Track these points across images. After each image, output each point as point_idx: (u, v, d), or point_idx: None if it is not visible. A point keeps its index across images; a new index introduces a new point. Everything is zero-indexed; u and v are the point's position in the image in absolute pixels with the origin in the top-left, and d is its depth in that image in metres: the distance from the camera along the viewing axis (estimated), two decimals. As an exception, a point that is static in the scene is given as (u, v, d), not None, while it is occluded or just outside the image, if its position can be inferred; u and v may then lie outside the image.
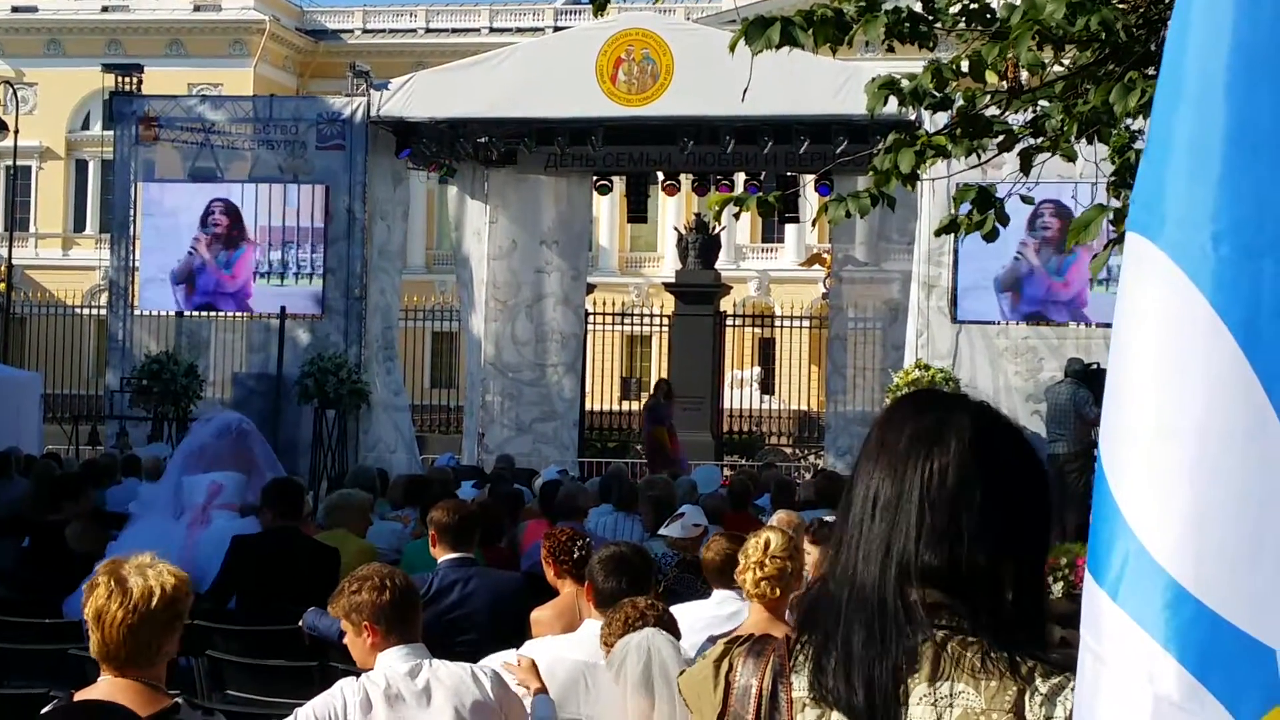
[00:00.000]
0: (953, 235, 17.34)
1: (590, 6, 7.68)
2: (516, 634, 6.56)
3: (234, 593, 8.18)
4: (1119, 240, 6.17)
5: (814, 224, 8.80)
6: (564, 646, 5.67)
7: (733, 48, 5.95)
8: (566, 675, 5.50)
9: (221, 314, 21.48)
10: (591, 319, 29.35)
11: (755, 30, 5.68)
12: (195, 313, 21.38)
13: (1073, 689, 2.00)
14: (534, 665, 5.32)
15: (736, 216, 7.71)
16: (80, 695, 3.90)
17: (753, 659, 2.24)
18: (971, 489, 2.12)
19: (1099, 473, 1.76)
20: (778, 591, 5.48)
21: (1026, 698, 2.05)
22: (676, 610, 5.62)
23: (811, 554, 6.90)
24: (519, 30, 56.41)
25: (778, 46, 5.72)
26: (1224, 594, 1.63)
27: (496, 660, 5.56)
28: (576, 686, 5.48)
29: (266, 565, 8.11)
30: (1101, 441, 1.76)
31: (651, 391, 25.32)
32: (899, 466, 2.16)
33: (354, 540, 8.82)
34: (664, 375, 28.32)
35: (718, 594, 6.50)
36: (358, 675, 4.86)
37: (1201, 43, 1.69)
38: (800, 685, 2.15)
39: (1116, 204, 6.36)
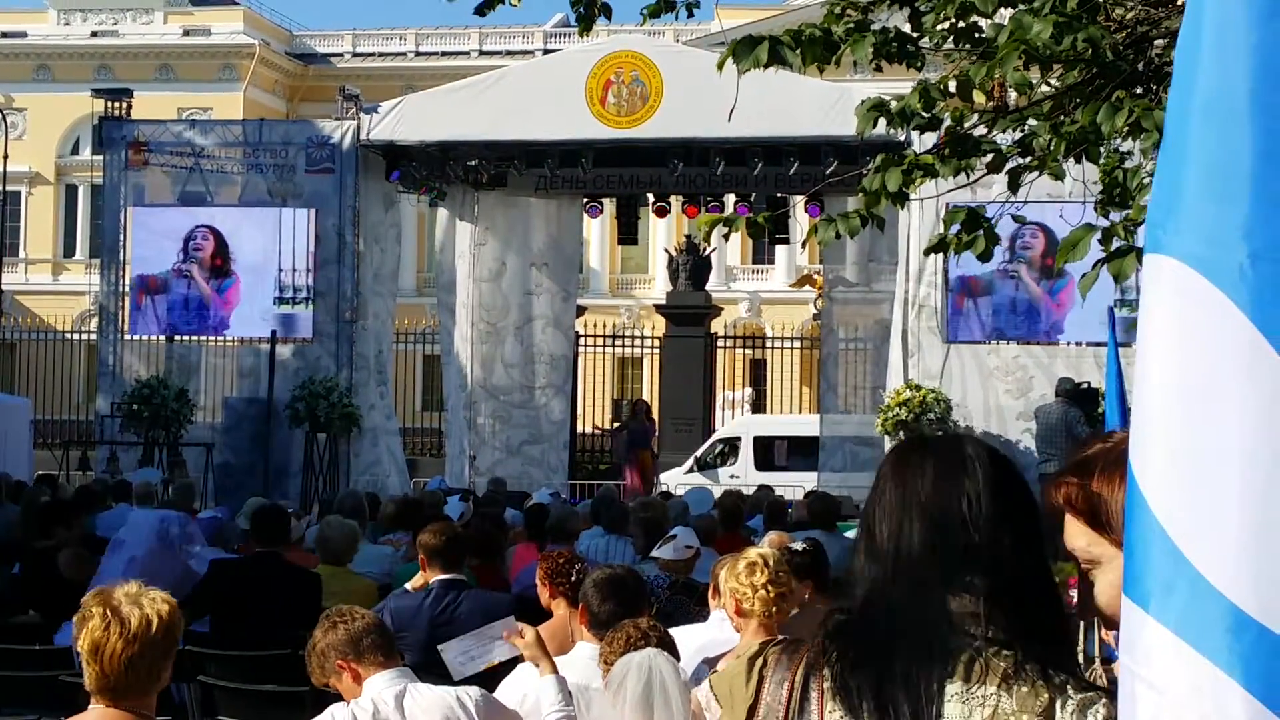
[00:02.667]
0: (942, 257, 17.29)
1: (581, 28, 7.69)
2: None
3: (206, 613, 8.12)
4: (1107, 260, 6.16)
5: (804, 245, 8.80)
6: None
7: (720, 67, 5.94)
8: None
9: (211, 339, 21.45)
10: (582, 341, 29.34)
11: (743, 49, 5.67)
12: (184, 337, 21.36)
13: (1104, 704, 2.09)
14: (539, 638, 5.28)
15: (726, 237, 7.74)
16: None
17: (787, 656, 2.35)
18: (1006, 509, 2.30)
19: (1136, 501, 1.73)
20: (789, 606, 5.47)
21: (1058, 706, 2.12)
22: (674, 633, 5.59)
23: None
24: (509, 53, 56.50)
25: (766, 66, 5.72)
26: None
27: (497, 628, 5.52)
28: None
29: (244, 590, 8.04)
30: (1137, 469, 1.73)
31: (630, 414, 25.23)
32: (932, 501, 2.31)
33: (355, 579, 8.78)
34: (650, 398, 28.33)
35: (715, 615, 6.47)
36: (348, 701, 4.86)
37: (1218, 57, 1.66)
38: (830, 680, 2.28)
39: (1104, 223, 6.36)
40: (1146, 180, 6.12)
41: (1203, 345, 1.65)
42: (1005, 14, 6.03)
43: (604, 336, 31.85)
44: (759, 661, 2.38)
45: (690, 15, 7.48)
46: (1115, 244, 6.13)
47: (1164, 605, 1.68)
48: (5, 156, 37.73)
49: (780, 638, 2.47)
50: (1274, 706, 1.61)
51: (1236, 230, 1.63)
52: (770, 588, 5.41)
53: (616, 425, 24.50)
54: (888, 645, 2.23)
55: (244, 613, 7.92)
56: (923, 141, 10.57)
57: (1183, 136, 1.70)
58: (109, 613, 3.69)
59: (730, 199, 23.10)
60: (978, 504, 2.30)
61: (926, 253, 7.29)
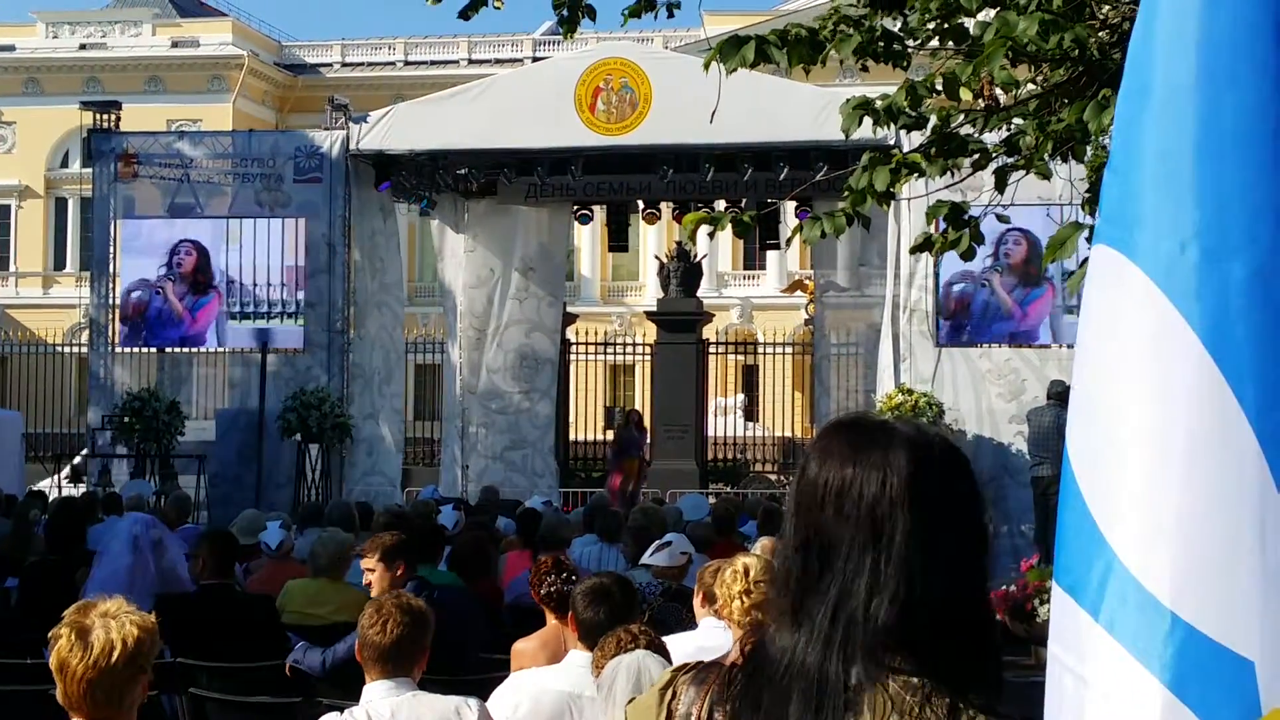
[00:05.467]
0: (932, 259, 17.23)
1: (565, 31, 7.68)
2: (458, 656, 6.53)
3: None
4: None
5: (788, 243, 8.78)
6: (549, 678, 5.64)
7: (707, 66, 5.93)
8: (552, 707, 5.47)
9: (202, 350, 21.39)
10: (574, 349, 29.31)
11: (729, 49, 5.65)
12: (176, 348, 21.30)
13: None
14: None
15: (711, 236, 7.75)
16: None
17: (695, 687, 2.17)
18: (922, 532, 1.98)
19: (1070, 488, 1.72)
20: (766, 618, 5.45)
21: None
22: (666, 641, 5.58)
23: None
24: (497, 61, 56.49)
25: (752, 65, 5.71)
26: (1200, 607, 1.59)
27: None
28: (562, 718, 5.45)
29: (196, 625, 7.89)
30: (1071, 455, 1.72)
31: (621, 422, 25.22)
32: (840, 522, 2.03)
33: (348, 590, 8.74)
34: (642, 406, 28.31)
35: (705, 622, 6.46)
36: (341, 710, 4.85)
37: (1166, 54, 1.67)
38: (735, 710, 2.09)
39: (1091, 222, 6.35)
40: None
41: (1136, 335, 1.65)
42: (990, 15, 6.02)
43: (596, 344, 31.80)
44: (668, 694, 2.21)
45: (670, 15, 7.47)
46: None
47: (1095, 598, 1.66)
48: (-6, 170, 37.66)
49: (691, 664, 2.31)
50: (1186, 698, 1.59)
51: (1170, 219, 1.64)
52: (744, 597, 5.41)
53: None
54: (785, 686, 2.00)
55: (194, 649, 7.80)
56: (910, 142, 10.57)
57: (1130, 129, 1.70)
58: (75, 634, 3.72)
59: (720, 205, 23.08)
60: (889, 531, 2.00)
61: (912, 251, 7.28)
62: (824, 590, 2.03)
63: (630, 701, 2.80)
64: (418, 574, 7.62)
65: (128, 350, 21.34)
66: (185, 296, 20.99)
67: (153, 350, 21.37)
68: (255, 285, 20.77)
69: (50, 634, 3.82)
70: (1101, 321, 1.70)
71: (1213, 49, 1.63)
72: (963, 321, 18.92)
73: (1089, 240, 6.12)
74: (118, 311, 21.25)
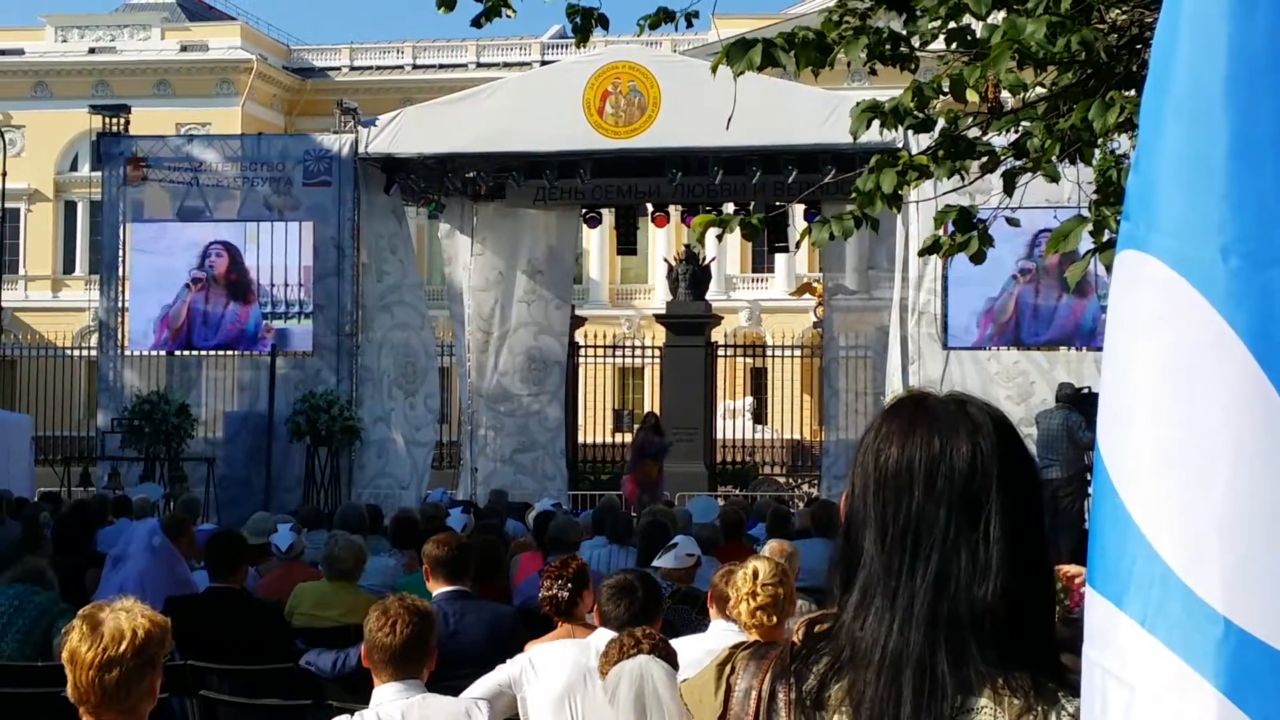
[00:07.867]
0: (941, 262, 17.23)
1: (578, 40, 7.68)
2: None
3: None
4: (1099, 250, 6.16)
5: (797, 245, 8.80)
6: (567, 650, 5.81)
7: (715, 70, 5.96)
8: (568, 674, 5.62)
9: (211, 353, 21.40)
10: (582, 351, 29.33)
11: (737, 52, 5.68)
12: (185, 351, 21.31)
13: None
14: None
15: (720, 238, 7.82)
16: None
17: (755, 662, 2.15)
18: (1014, 509, 1.97)
19: (1108, 495, 1.71)
20: (774, 619, 5.47)
21: (1053, 718, 1.96)
22: (674, 644, 5.61)
23: None
24: (506, 65, 56.52)
25: (760, 68, 5.73)
26: (1253, 612, 1.58)
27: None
28: (573, 688, 5.58)
29: (204, 629, 7.91)
30: (1109, 463, 1.71)
31: (640, 425, 25.26)
32: (931, 503, 1.99)
33: (359, 594, 8.75)
34: (653, 409, 28.30)
35: (716, 624, 6.48)
36: (351, 713, 4.86)
37: (1194, 55, 1.66)
38: (799, 689, 2.07)
39: (1094, 217, 6.35)
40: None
41: (1176, 341, 1.65)
42: (999, 17, 6.03)
43: (604, 347, 31.83)
44: (727, 669, 2.26)
45: (689, 25, 7.47)
46: (1106, 236, 6.13)
47: (1136, 601, 1.66)
48: (4, 174, 37.78)
49: (749, 641, 2.30)
50: (1243, 704, 1.58)
51: (1209, 225, 1.64)
52: (751, 599, 5.43)
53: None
54: (890, 677, 1.96)
55: (202, 652, 7.82)
56: (918, 143, 10.56)
57: (1157, 133, 1.70)
58: (87, 625, 3.73)
59: (729, 208, 23.08)
60: (992, 485, 1.98)
61: (921, 254, 7.30)
62: (915, 577, 1.98)
63: (684, 681, 2.81)
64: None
65: (137, 353, 21.37)
66: (229, 303, 20.98)
67: (162, 353, 21.40)
68: (273, 285, 20.79)
69: (64, 628, 3.83)
70: (1134, 326, 1.70)
71: (1246, 54, 1.63)
72: (1020, 323, 18.84)
73: (1092, 234, 6.12)
74: (127, 315, 21.27)
